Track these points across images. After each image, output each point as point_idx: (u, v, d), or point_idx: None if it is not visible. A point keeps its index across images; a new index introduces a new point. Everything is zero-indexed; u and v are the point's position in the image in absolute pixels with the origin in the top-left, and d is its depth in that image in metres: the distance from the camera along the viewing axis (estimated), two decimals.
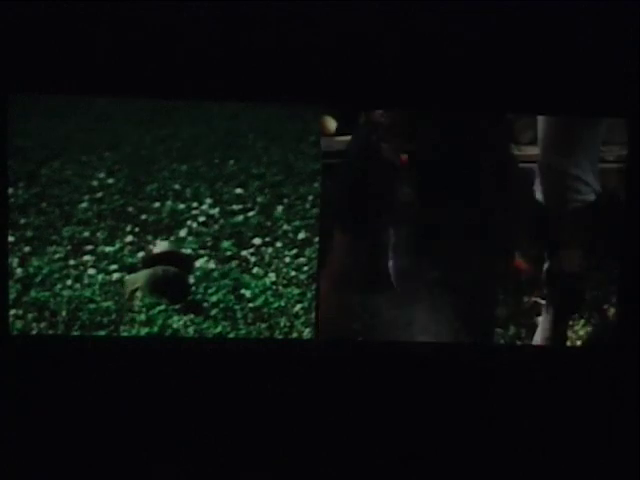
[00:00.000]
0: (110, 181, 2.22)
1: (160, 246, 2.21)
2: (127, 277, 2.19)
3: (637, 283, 2.28)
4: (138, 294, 2.19)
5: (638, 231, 2.27)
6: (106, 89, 2.13)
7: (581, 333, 2.27)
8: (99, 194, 2.21)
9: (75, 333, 2.17)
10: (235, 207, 2.26)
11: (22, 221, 2.18)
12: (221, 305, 2.22)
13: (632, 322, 2.29)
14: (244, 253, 2.25)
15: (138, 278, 2.20)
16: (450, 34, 2.19)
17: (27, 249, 2.19)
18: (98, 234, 2.21)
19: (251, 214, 2.25)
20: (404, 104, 2.23)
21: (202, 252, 2.23)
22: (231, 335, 2.22)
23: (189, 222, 2.23)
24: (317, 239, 2.24)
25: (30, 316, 2.18)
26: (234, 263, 2.24)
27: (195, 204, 2.24)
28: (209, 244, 2.24)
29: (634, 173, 2.26)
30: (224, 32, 2.14)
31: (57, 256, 2.19)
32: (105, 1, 2.09)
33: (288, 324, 2.24)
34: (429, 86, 2.21)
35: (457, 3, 2.17)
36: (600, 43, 2.21)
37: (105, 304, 2.19)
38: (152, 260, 2.20)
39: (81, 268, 2.19)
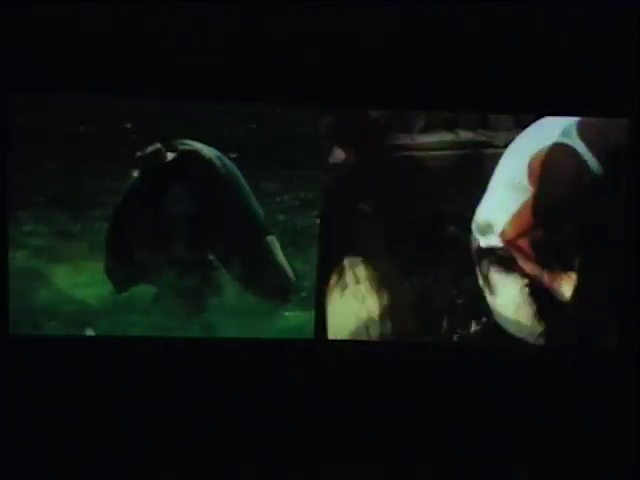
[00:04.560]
0: None
1: None
2: None
3: (637, 283, 2.29)
4: None
5: (638, 232, 2.27)
6: (106, 89, 2.14)
7: None
8: None
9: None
10: None
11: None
12: None
13: (632, 322, 2.30)
14: None
15: None
16: (450, 34, 2.19)
17: None
18: None
19: None
20: (404, 104, 2.24)
21: None
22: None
23: None
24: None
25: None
26: None
27: None
28: None
29: (634, 174, 2.26)
30: (224, 32, 2.15)
31: None
32: (105, 1, 2.09)
33: None
34: (429, 86, 2.22)
35: (457, 4, 2.17)
36: (600, 43, 2.22)
37: None
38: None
39: None
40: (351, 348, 2.28)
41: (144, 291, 2.19)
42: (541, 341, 2.29)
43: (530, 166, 2.24)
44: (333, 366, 2.27)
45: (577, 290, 2.28)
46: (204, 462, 2.18)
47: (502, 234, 2.26)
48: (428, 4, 2.16)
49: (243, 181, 2.14)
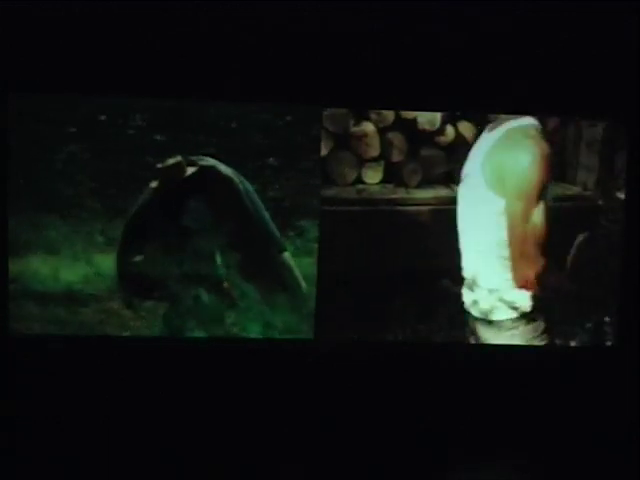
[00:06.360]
0: None
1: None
2: None
3: (637, 283, 2.29)
4: None
5: (638, 232, 2.28)
6: (106, 89, 2.14)
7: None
8: None
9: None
10: None
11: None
12: None
13: (632, 322, 2.30)
14: None
15: None
16: (450, 35, 2.19)
17: None
18: None
19: None
20: (403, 104, 2.24)
21: None
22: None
23: None
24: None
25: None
26: None
27: None
28: None
29: (633, 176, 2.27)
30: (224, 32, 2.15)
31: None
32: (105, 1, 2.09)
33: None
34: (428, 86, 2.22)
35: (457, 4, 2.17)
36: (599, 45, 2.22)
37: None
38: None
39: None
40: (351, 348, 2.28)
41: (154, 307, 2.20)
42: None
43: (491, 175, 2.21)
44: (333, 366, 2.27)
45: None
46: (203, 462, 2.18)
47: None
48: (428, 5, 2.17)
49: (258, 199, 2.15)
